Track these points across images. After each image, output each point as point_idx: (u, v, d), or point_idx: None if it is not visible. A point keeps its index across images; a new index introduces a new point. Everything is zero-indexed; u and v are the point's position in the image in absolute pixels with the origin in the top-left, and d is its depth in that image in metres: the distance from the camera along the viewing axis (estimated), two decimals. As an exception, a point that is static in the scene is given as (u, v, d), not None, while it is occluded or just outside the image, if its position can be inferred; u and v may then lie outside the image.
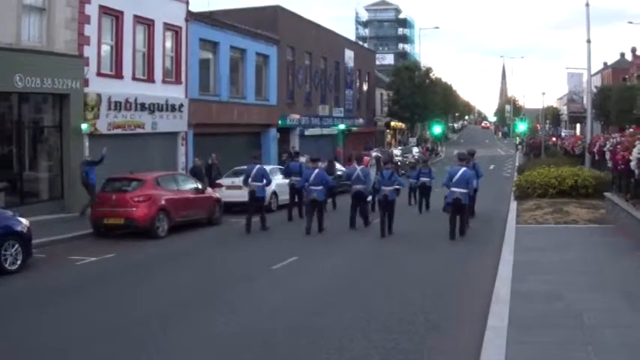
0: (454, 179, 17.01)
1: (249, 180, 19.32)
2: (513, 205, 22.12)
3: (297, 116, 41.06)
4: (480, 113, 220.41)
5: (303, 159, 25.58)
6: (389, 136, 71.12)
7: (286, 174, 23.50)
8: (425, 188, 24.31)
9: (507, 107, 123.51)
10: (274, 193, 24.25)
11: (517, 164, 47.25)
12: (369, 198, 20.61)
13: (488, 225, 18.91)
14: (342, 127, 49.34)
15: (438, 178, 24.01)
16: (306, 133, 42.79)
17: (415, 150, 54.31)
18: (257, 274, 12.44)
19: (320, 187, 18.80)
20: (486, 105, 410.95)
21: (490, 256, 13.49)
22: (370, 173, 20.61)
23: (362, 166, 20.10)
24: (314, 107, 44.88)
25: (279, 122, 38.45)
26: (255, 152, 22.33)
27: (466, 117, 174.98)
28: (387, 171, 18.39)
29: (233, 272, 12.86)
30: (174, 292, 11.08)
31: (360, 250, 15.68)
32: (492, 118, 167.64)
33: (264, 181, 19.36)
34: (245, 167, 21.38)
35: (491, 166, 51.26)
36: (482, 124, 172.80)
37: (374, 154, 31.22)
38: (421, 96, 65.65)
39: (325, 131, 46.13)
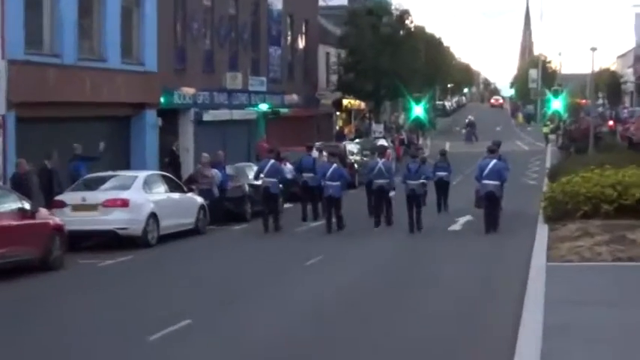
0: (485, 172, 22.32)
1: (262, 175, 24.78)
2: (543, 230, 21.43)
3: (190, 90, 37.63)
4: (487, 83, 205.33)
5: (316, 153, 29.71)
6: (340, 122, 64.99)
7: (298, 170, 28.04)
8: (442, 184, 28.51)
9: (532, 73, 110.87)
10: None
11: (548, 165, 44.25)
12: (392, 193, 24.75)
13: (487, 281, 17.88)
14: (263, 107, 45.19)
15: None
16: (206, 117, 38.79)
17: (382, 143, 48.29)
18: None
19: (337, 183, 23.80)
20: (498, 71, 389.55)
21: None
22: (392, 167, 26.83)
23: (384, 160, 25.33)
24: (218, 76, 40.77)
25: (162, 100, 34.77)
26: (271, 146, 29.15)
27: (465, 90, 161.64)
28: (413, 164, 24.26)
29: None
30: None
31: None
32: (508, 92, 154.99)
33: (279, 177, 25.03)
34: (107, 173, 24.43)
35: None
36: (492, 101, 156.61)
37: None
38: (391, 57, 59.88)
39: (237, 115, 42.08)
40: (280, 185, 25.71)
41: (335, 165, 24.71)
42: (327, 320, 13.93)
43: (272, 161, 25.58)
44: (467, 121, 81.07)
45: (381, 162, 25.08)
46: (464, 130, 78.32)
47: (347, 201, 26.66)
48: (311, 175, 27.14)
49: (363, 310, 14.71)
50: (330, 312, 14.60)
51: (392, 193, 24.90)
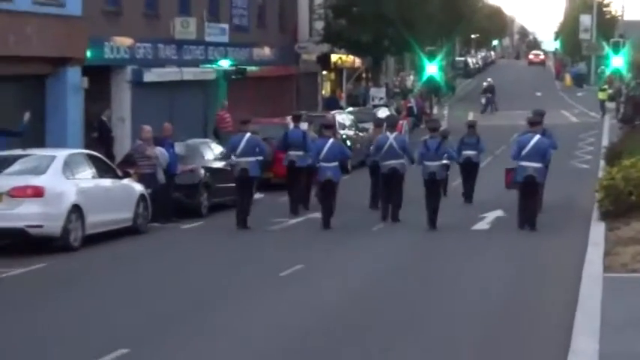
0: (525, 150, 21.63)
1: (236, 154, 24.21)
2: (598, 229, 20.90)
3: (127, 41, 35.11)
4: (524, 34, 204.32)
5: (305, 125, 29.07)
6: (327, 85, 60.75)
7: (284, 147, 27.58)
8: (470, 166, 27.26)
9: (585, 20, 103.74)
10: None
11: (606, 143, 40.17)
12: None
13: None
14: (225, 64, 42.02)
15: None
16: (147, 77, 35.79)
17: (384, 113, 43.89)
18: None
19: (335, 164, 23.41)
20: (539, 18, 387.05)
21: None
22: (407, 142, 25.54)
23: (395, 133, 24.68)
24: (164, 22, 37.97)
25: (88, 54, 32.07)
26: (246, 117, 27.04)
27: (495, 42, 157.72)
28: (432, 140, 23.24)
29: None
30: None
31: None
32: (552, 45, 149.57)
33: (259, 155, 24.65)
34: (14, 152, 22.96)
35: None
36: (531, 57, 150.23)
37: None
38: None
39: (189, 74, 39.09)
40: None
41: (332, 140, 23.96)
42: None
43: (248, 135, 24.66)
44: (485, 85, 75.39)
45: (392, 137, 23.90)
46: (483, 99, 72.28)
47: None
48: (300, 152, 26.13)
49: (347, 348, 12.59)
50: (305, 348, 12.66)
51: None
